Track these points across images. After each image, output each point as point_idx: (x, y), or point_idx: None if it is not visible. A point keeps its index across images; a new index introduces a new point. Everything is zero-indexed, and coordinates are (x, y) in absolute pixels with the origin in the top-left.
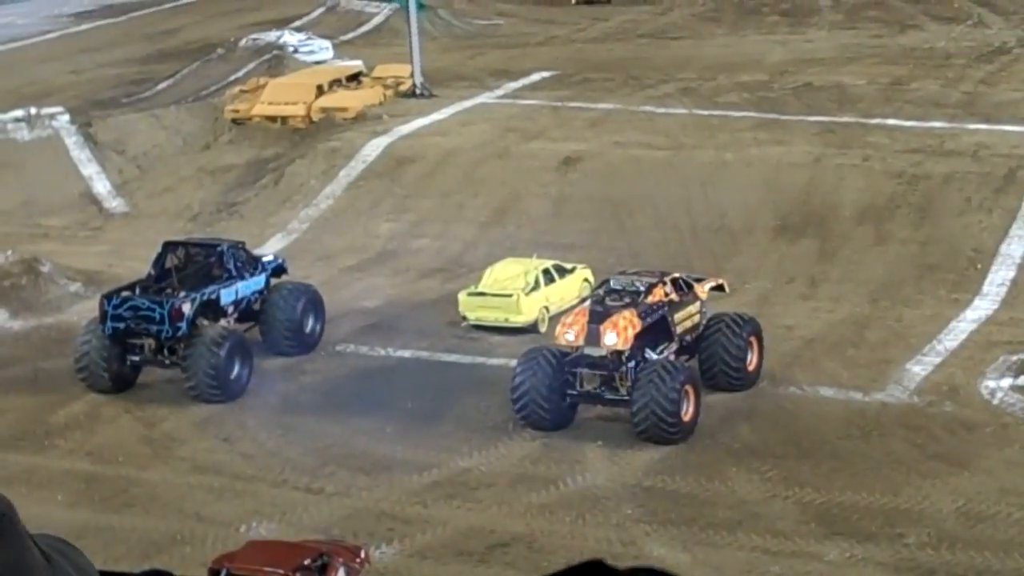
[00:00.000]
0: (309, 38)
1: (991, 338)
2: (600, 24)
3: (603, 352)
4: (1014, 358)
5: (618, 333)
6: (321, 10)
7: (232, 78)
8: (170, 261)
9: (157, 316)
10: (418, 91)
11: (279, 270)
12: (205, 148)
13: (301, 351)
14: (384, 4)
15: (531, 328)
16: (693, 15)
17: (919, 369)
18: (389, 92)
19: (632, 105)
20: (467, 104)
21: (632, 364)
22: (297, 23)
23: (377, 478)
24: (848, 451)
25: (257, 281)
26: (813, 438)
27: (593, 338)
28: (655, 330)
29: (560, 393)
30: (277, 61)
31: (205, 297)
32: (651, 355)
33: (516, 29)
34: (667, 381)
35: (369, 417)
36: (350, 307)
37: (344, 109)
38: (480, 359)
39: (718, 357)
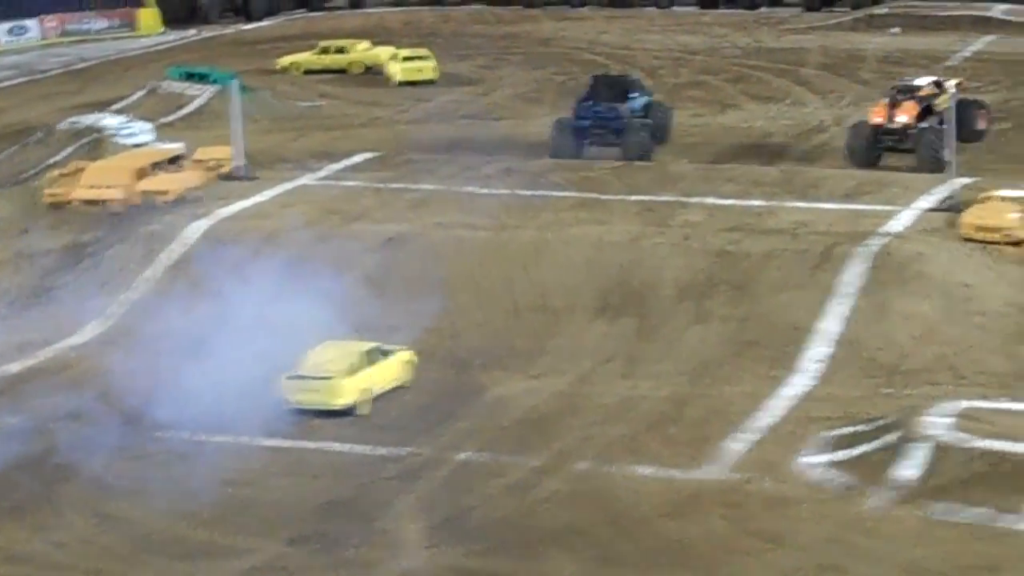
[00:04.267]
0: (129, 121)
1: (809, 414)
2: (423, 105)
3: (897, 126)
4: (831, 434)
5: (907, 114)
6: (142, 93)
7: (50, 161)
8: (597, 86)
9: (612, 116)
10: (239, 173)
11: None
12: (23, 233)
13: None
14: (206, 86)
15: (352, 411)
16: (516, 95)
17: (738, 446)
18: (210, 174)
19: (455, 186)
20: (289, 186)
21: (914, 132)
22: (117, 106)
23: (196, 564)
24: (666, 529)
25: (648, 96)
26: (632, 517)
27: (891, 118)
28: (926, 110)
29: (873, 146)
30: (96, 144)
31: (627, 103)
32: (923, 125)
33: (338, 111)
34: (935, 137)
35: (187, 502)
36: (171, 391)
37: (164, 192)
38: (300, 443)
39: (963, 122)
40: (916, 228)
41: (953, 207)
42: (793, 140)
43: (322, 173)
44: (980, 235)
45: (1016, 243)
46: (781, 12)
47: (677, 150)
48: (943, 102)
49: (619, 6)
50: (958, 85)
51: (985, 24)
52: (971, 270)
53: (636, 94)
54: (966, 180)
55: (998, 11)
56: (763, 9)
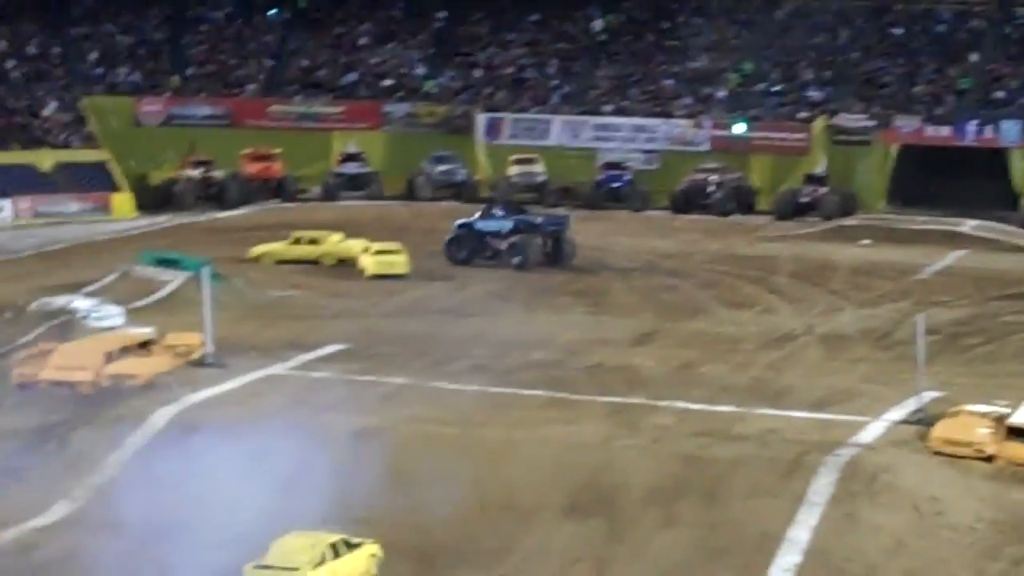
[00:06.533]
0: (100, 304)
1: None
2: (394, 299)
3: None
4: None
5: None
6: (114, 276)
7: (21, 341)
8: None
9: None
10: (209, 360)
11: None
12: None
13: None
14: (178, 272)
15: None
16: (487, 292)
17: None
18: (180, 361)
19: (424, 380)
20: (259, 374)
21: None
22: (89, 288)
23: None
24: None
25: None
26: None
27: None
28: None
29: None
30: (67, 326)
31: None
32: None
33: (310, 301)
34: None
35: None
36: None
37: (133, 376)
38: None
39: None
40: (886, 440)
41: (923, 420)
42: (762, 347)
43: (292, 363)
44: (950, 449)
45: (986, 458)
46: (753, 220)
47: (646, 354)
48: None
49: (594, 208)
50: None
51: (955, 239)
52: (941, 484)
53: None
54: (936, 394)
55: (968, 227)
56: (735, 216)
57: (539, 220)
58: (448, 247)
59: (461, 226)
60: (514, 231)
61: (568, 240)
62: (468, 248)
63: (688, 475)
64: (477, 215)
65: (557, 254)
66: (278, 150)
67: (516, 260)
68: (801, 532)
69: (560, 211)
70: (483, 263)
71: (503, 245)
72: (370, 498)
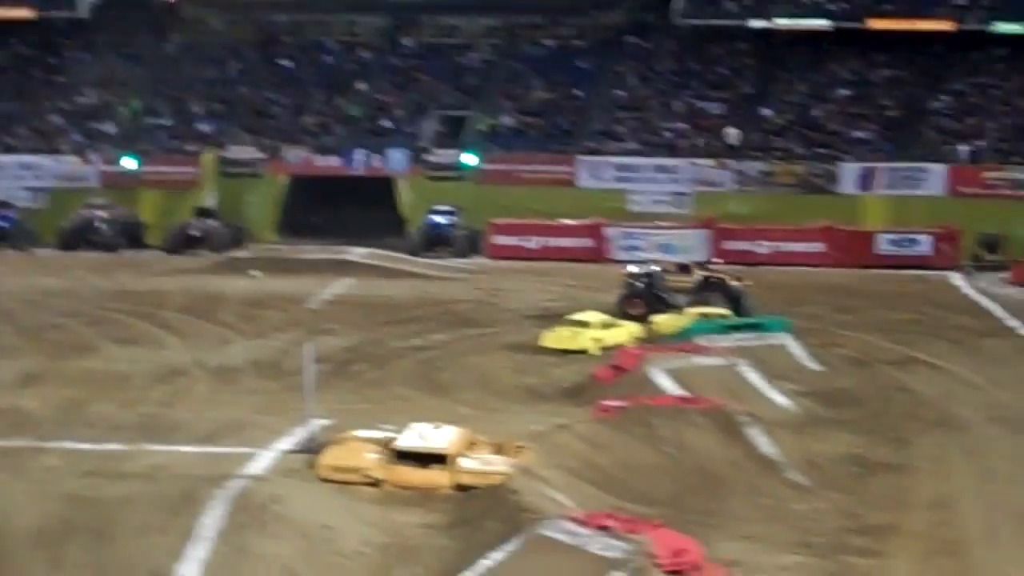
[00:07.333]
0: None
1: None
2: None
3: None
4: None
5: None
6: None
7: None
8: None
9: None
10: None
11: None
12: None
13: None
14: None
15: None
16: None
17: None
18: None
19: None
20: None
21: None
22: None
23: None
24: None
25: None
26: None
27: None
28: None
29: None
30: None
31: None
32: None
33: None
34: None
35: None
36: None
37: None
38: None
39: None
40: (276, 470)
41: (312, 449)
42: (152, 383)
43: None
44: (339, 476)
45: (374, 483)
46: (143, 255)
47: (32, 395)
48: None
49: None
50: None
51: (344, 267)
52: (330, 511)
53: None
54: (326, 422)
55: (356, 255)
56: (125, 252)
57: None
58: None
59: None
60: None
61: None
62: None
63: (75, 516)
64: None
65: None
66: None
67: None
68: (191, 568)
69: None
70: None
71: None
72: None
